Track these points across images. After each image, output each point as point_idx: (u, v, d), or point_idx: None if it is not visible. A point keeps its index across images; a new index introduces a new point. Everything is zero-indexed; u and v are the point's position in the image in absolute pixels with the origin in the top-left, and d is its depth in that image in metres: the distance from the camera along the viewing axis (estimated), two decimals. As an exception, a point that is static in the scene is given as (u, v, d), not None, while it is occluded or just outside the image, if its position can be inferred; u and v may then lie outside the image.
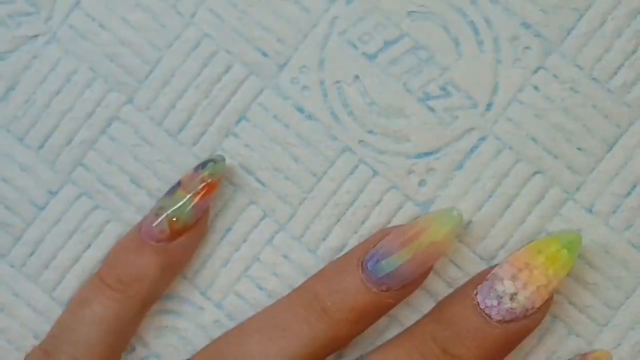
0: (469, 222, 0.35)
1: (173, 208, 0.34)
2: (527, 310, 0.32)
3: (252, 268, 0.36)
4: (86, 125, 0.36)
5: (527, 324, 0.32)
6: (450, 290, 0.35)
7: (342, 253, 0.35)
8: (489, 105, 0.35)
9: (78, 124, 0.36)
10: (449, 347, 0.32)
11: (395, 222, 0.35)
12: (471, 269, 0.35)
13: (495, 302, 0.32)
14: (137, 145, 0.36)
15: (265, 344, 0.33)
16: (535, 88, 0.34)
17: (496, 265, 0.33)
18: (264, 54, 0.36)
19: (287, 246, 0.36)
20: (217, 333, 0.36)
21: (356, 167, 0.35)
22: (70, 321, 0.34)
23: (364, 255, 0.33)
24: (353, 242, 0.35)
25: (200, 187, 0.34)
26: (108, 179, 0.36)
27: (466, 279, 0.35)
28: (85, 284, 0.35)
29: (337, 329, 0.33)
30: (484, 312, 0.32)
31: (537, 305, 0.32)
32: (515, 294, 0.32)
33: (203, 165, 0.34)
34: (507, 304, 0.32)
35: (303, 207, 0.36)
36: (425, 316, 0.34)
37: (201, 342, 0.36)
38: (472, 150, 0.35)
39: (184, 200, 0.34)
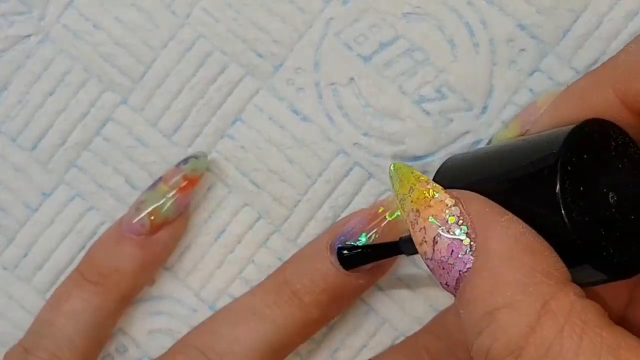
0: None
1: (154, 202, 0.34)
2: None
3: (247, 270, 0.36)
4: (80, 125, 0.36)
5: None
6: (444, 293, 0.34)
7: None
8: (484, 108, 0.35)
9: (72, 125, 0.36)
10: (441, 358, 0.32)
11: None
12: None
13: None
14: (132, 146, 0.36)
15: (236, 329, 0.33)
16: (531, 90, 0.34)
17: None
18: (259, 55, 0.35)
19: (281, 248, 0.36)
20: (211, 335, 0.36)
21: (351, 169, 0.35)
22: (49, 316, 0.34)
23: (332, 239, 0.33)
24: (348, 244, 0.35)
25: (182, 182, 0.34)
26: (102, 180, 0.36)
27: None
28: (66, 279, 0.35)
29: (307, 312, 0.33)
30: None
31: None
32: None
33: (185, 161, 0.34)
34: None
35: (298, 209, 0.35)
36: (422, 329, 0.34)
37: (195, 343, 0.36)
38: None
39: (165, 195, 0.34)
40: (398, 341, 0.35)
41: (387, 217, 0.33)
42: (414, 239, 0.26)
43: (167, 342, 0.36)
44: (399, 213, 0.33)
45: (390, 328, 0.35)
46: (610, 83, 0.28)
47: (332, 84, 0.35)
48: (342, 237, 0.33)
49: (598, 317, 0.24)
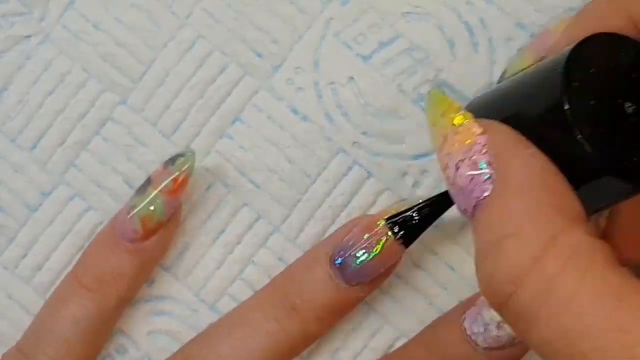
0: (463, 224, 0.35)
1: (145, 208, 0.33)
2: (513, 338, 0.32)
3: (247, 270, 0.36)
4: (79, 125, 0.36)
5: (513, 351, 0.32)
6: (445, 293, 0.35)
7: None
8: (484, 107, 0.34)
9: (71, 125, 0.36)
10: None
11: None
12: (466, 272, 0.35)
13: (482, 329, 0.32)
14: (131, 146, 0.36)
15: (236, 345, 0.33)
16: (531, 89, 0.34)
17: None
18: (259, 55, 0.35)
19: (281, 248, 0.36)
20: (210, 335, 0.36)
21: (350, 168, 0.35)
22: (48, 322, 0.34)
23: (332, 249, 0.33)
24: (347, 244, 0.35)
25: (171, 184, 0.33)
26: (101, 180, 0.36)
27: (460, 281, 0.35)
28: (62, 283, 0.35)
29: (307, 326, 0.33)
30: (470, 338, 0.32)
31: None
32: (502, 321, 0.32)
33: (172, 161, 0.34)
34: (494, 331, 0.32)
35: (297, 209, 0.35)
36: (413, 339, 0.34)
37: (195, 344, 0.36)
38: (467, 151, 0.35)
39: (156, 198, 0.33)
40: (398, 341, 0.35)
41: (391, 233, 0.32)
42: (439, 164, 0.27)
43: (167, 343, 0.36)
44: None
45: (390, 328, 0.35)
46: (625, 6, 0.28)
47: (332, 83, 0.35)
48: (342, 252, 0.33)
49: (605, 257, 0.24)
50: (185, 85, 0.36)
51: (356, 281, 0.32)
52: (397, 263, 0.33)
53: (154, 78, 0.36)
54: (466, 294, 0.34)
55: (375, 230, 0.32)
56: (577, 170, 0.25)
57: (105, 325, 0.35)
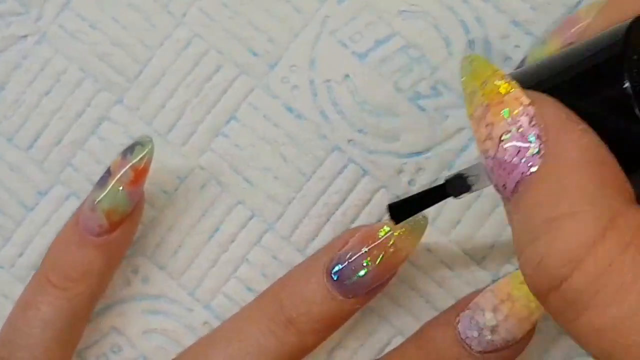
0: (458, 221, 0.35)
1: (108, 201, 0.33)
2: (507, 341, 0.32)
3: (241, 269, 0.36)
4: (76, 125, 0.36)
5: (507, 353, 0.32)
6: (441, 290, 0.35)
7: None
8: (479, 104, 0.34)
9: (67, 124, 0.36)
10: None
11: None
12: (461, 269, 0.35)
13: (476, 334, 0.32)
14: (127, 145, 0.36)
15: (229, 354, 0.33)
16: (527, 87, 0.34)
17: (480, 290, 0.33)
18: (255, 54, 0.35)
19: (276, 246, 0.35)
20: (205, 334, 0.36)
21: (346, 166, 0.35)
22: (22, 325, 0.33)
23: (329, 260, 0.33)
24: (343, 243, 0.35)
25: (132, 174, 0.32)
26: (97, 179, 0.36)
27: (456, 279, 0.34)
28: (31, 284, 0.34)
29: (304, 339, 0.33)
30: (464, 342, 0.32)
31: (518, 337, 0.32)
32: (497, 326, 0.31)
33: (131, 150, 0.33)
34: (488, 336, 0.32)
35: (292, 207, 0.35)
36: (407, 340, 0.34)
37: (189, 343, 0.36)
38: (462, 149, 0.35)
39: (118, 191, 0.32)
40: (395, 340, 0.35)
41: (389, 247, 0.32)
42: (476, 136, 0.25)
43: (162, 342, 0.36)
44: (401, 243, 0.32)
45: (387, 326, 0.35)
46: None
47: (327, 81, 0.35)
48: (339, 264, 0.32)
49: None
50: (181, 84, 0.36)
51: (353, 294, 0.32)
52: (394, 274, 0.33)
53: (150, 77, 0.36)
54: (462, 292, 0.34)
55: (375, 243, 0.32)
56: (630, 152, 0.24)
57: (79, 323, 0.34)
